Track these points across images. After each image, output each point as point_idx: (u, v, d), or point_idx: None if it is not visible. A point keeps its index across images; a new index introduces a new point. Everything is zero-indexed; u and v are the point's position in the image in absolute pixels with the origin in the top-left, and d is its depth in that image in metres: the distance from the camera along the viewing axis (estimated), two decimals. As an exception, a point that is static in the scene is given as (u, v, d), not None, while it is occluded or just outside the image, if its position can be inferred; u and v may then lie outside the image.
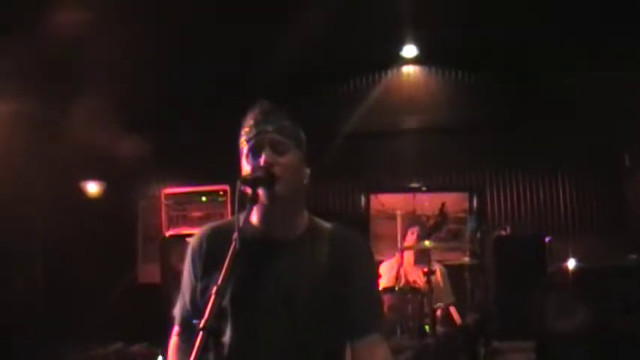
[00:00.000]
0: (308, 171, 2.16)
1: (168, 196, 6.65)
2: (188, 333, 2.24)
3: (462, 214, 7.27)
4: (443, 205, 7.14)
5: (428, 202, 7.27)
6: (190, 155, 7.13)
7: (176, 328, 2.31)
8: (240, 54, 6.71)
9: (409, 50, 7.29)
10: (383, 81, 7.64)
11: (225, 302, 2.05)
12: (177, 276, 6.28)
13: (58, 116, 6.23)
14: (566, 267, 5.56)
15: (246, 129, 2.12)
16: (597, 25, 6.09)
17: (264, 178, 1.98)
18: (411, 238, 5.86)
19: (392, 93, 7.58)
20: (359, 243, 2.25)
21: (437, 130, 7.45)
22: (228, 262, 1.80)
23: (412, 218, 7.05)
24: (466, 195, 7.35)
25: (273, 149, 2.06)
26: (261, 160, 2.04)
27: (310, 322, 2.02)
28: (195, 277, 2.16)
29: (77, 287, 6.58)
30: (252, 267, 2.02)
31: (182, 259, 6.29)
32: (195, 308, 2.16)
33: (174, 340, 2.30)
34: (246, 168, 2.09)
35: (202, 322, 1.67)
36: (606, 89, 6.84)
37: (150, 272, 7.01)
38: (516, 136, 7.23)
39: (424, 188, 7.37)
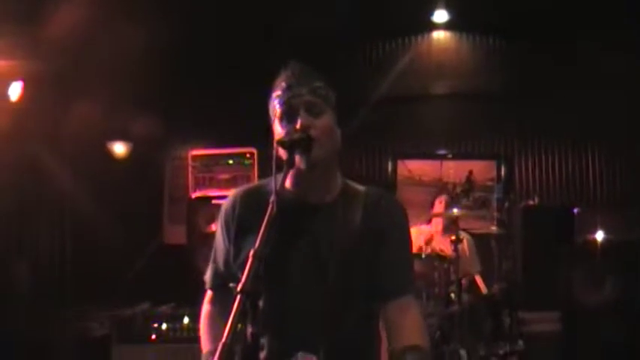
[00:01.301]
0: (339, 132, 2.13)
1: (195, 157, 6.63)
2: (221, 297, 2.24)
3: (489, 183, 7.19)
4: (470, 172, 7.14)
5: (455, 170, 7.20)
6: (217, 117, 7.09)
7: (209, 294, 2.30)
8: (266, 16, 6.63)
9: (440, 15, 7.15)
10: (412, 46, 7.51)
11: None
12: (203, 238, 6.44)
13: (84, 75, 6.24)
14: (595, 239, 5.52)
15: (278, 92, 2.08)
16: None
17: (302, 141, 1.96)
18: (439, 206, 5.84)
19: (421, 58, 7.46)
20: (393, 205, 2.22)
21: (465, 97, 7.34)
22: (265, 226, 1.78)
23: (439, 186, 7.02)
24: (494, 163, 7.25)
25: (309, 111, 2.03)
26: (297, 123, 2.00)
27: (343, 286, 2.00)
28: (229, 240, 2.15)
29: (104, 247, 6.64)
30: (286, 231, 1.99)
31: (208, 222, 6.40)
32: (229, 272, 2.16)
33: (206, 308, 2.29)
34: (279, 131, 2.06)
35: (240, 285, 1.65)
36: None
37: (176, 233, 7.02)
38: (546, 104, 7.09)
39: (451, 155, 7.29)
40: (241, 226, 2.11)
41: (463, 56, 7.46)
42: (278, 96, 2.08)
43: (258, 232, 1.91)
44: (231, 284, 1.96)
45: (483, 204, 7.05)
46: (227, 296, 2.24)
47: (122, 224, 6.72)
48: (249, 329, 1.69)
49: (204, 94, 7.03)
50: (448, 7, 7.02)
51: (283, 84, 2.07)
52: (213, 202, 6.54)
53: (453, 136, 7.36)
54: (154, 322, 5.38)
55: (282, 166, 1.92)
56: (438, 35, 7.48)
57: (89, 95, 6.22)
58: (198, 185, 6.61)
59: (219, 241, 2.21)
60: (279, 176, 1.99)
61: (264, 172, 6.58)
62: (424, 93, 7.44)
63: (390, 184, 7.14)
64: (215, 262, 2.25)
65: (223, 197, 6.72)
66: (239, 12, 6.47)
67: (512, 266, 5.52)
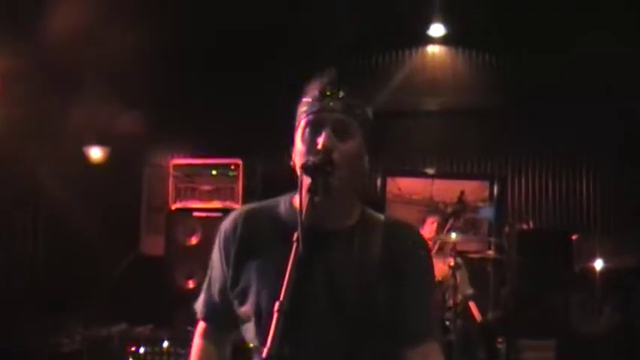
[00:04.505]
0: (367, 158, 1.88)
1: (177, 166, 6.36)
2: (215, 330, 2.03)
3: (481, 204, 6.98)
4: (462, 193, 6.92)
5: (446, 189, 6.97)
6: (202, 126, 6.84)
7: (201, 325, 2.05)
8: (264, 24, 6.42)
9: (436, 29, 6.97)
10: (407, 59, 7.31)
11: (263, 300, 1.79)
12: (182, 251, 6.14)
13: (63, 76, 5.98)
14: (593, 267, 5.34)
15: (308, 99, 1.84)
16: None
17: (321, 165, 1.72)
18: (430, 227, 5.64)
19: (415, 72, 7.26)
20: (415, 239, 1.98)
21: (459, 114, 7.15)
22: (291, 269, 1.55)
23: (430, 205, 6.81)
24: (487, 183, 7.05)
25: (336, 132, 1.78)
26: (320, 142, 1.75)
27: (361, 323, 1.77)
28: (228, 265, 1.91)
29: (78, 256, 6.34)
30: (299, 259, 1.73)
31: (188, 234, 6.07)
32: (224, 301, 1.93)
33: (197, 342, 2.05)
34: (298, 144, 1.82)
35: (266, 350, 1.47)
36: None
37: (153, 244, 6.76)
38: (542, 125, 6.92)
39: (443, 174, 7.07)
40: (242, 250, 1.88)
41: (458, 72, 7.28)
42: (307, 103, 1.84)
43: (261, 258, 1.82)
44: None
45: (474, 225, 6.84)
46: (222, 330, 2.00)
47: (98, 232, 6.44)
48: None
49: (190, 101, 6.79)
50: (445, 22, 6.82)
51: (316, 92, 1.83)
52: (194, 214, 6.29)
53: (445, 155, 7.16)
54: (132, 345, 5.05)
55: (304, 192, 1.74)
56: (434, 50, 7.29)
57: (67, 96, 5.98)
58: (179, 196, 6.34)
59: (216, 266, 1.96)
60: (285, 199, 1.90)
61: (249, 185, 6.33)
62: (417, 108, 7.24)
63: (379, 201, 6.89)
64: (209, 289, 2.00)
65: (205, 210, 6.46)
66: (227, 19, 6.26)
67: (509, 293, 5.31)
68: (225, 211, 6.10)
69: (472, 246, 5.95)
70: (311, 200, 1.70)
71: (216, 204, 6.24)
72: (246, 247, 1.87)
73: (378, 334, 1.81)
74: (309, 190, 1.69)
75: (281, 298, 1.54)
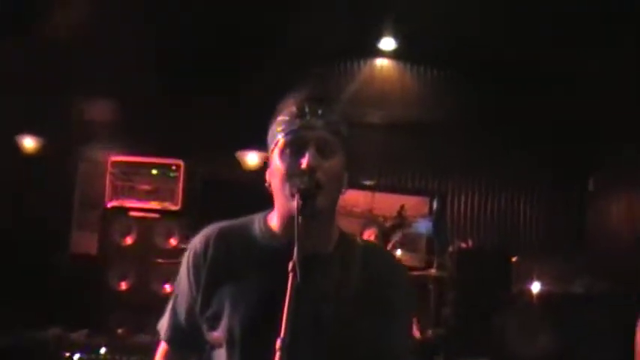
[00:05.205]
0: (346, 175, 1.81)
1: (115, 163, 6.14)
2: (177, 351, 1.92)
3: (420, 219, 7.00)
4: (402, 207, 6.91)
5: (387, 203, 6.97)
6: (142, 124, 6.63)
7: (162, 347, 1.93)
8: (214, 31, 6.37)
9: (387, 43, 6.97)
10: (355, 71, 7.31)
11: (237, 325, 1.70)
12: (116, 251, 5.92)
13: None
14: (530, 289, 5.42)
15: (285, 117, 1.75)
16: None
17: (310, 187, 1.65)
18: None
19: (363, 84, 7.28)
20: (395, 267, 1.94)
21: (404, 129, 7.18)
22: (289, 302, 1.47)
23: (369, 218, 6.78)
24: (427, 199, 7.09)
25: (319, 150, 1.71)
26: (304, 162, 1.67)
27: (341, 350, 1.72)
28: (198, 287, 1.80)
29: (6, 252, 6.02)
30: (274, 284, 1.64)
31: (124, 234, 5.83)
32: (191, 323, 1.82)
33: None
34: (277, 164, 1.74)
35: None
36: (578, 111, 6.76)
37: (85, 242, 6.52)
38: (484, 144, 7.03)
39: (384, 188, 7.08)
40: (214, 273, 1.78)
41: (405, 86, 7.35)
42: (284, 122, 1.74)
43: (235, 282, 1.74)
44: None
45: (413, 241, 6.85)
46: (184, 353, 1.90)
47: (27, 226, 6.13)
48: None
49: (132, 99, 6.55)
50: (396, 36, 6.82)
51: (294, 109, 1.74)
52: (131, 213, 6.10)
53: (387, 168, 7.20)
54: (66, 351, 4.81)
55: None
56: (382, 63, 7.30)
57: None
58: (116, 194, 6.11)
59: (183, 287, 1.85)
60: (270, 218, 1.82)
61: (190, 187, 6.17)
62: (362, 120, 7.20)
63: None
64: (174, 310, 1.89)
65: (142, 210, 6.23)
66: (173, 21, 6.10)
67: (450, 311, 5.33)
68: (164, 213, 6.06)
69: (412, 262, 5.95)
70: (304, 225, 1.62)
71: (155, 204, 6.07)
72: (218, 270, 1.77)
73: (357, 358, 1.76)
74: (302, 212, 1.61)
75: (282, 335, 1.47)
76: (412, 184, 7.18)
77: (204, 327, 1.78)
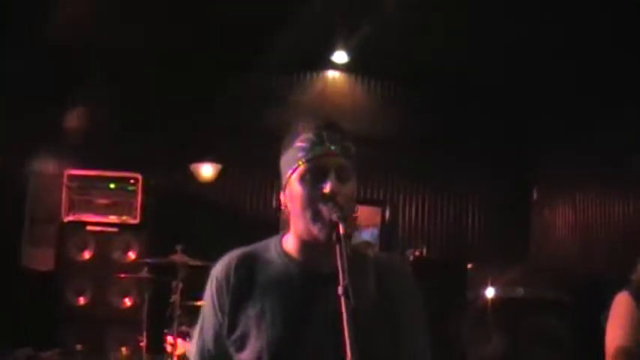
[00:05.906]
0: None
1: (72, 177, 6.11)
2: None
3: (372, 229, 7.18)
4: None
5: (339, 212, 7.10)
6: (99, 136, 6.59)
7: None
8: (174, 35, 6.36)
9: (340, 56, 7.09)
10: (307, 82, 7.42)
11: (264, 346, 1.79)
12: (73, 266, 5.85)
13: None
14: (484, 295, 5.59)
15: (303, 144, 1.82)
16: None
17: (341, 215, 1.70)
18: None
19: (313, 95, 7.36)
20: (405, 274, 2.01)
21: (355, 140, 7.23)
22: (348, 325, 1.56)
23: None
24: (379, 209, 7.26)
25: (337, 176, 1.79)
26: (326, 187, 1.77)
27: None
28: (223, 312, 1.86)
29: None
30: (296, 305, 1.77)
31: (81, 249, 5.75)
32: (219, 347, 1.88)
33: None
34: (297, 189, 1.79)
35: None
36: (521, 122, 7.04)
37: (38, 258, 6.39)
38: (434, 155, 7.23)
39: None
40: (237, 297, 1.85)
41: (355, 99, 7.47)
42: (303, 149, 1.82)
43: (257, 305, 1.80)
44: None
45: (366, 249, 7.01)
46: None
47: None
48: None
49: (88, 108, 6.51)
50: (348, 49, 6.95)
51: (311, 136, 1.83)
52: (88, 228, 6.06)
53: (339, 178, 7.26)
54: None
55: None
56: (334, 75, 7.43)
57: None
58: (73, 208, 6.09)
59: (209, 314, 1.92)
60: (285, 242, 1.87)
61: (148, 201, 6.17)
62: (312, 131, 7.30)
63: (274, 220, 6.92)
64: (202, 337, 1.95)
65: (100, 224, 6.15)
66: (129, 35, 6.10)
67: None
68: (122, 227, 6.02)
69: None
70: (342, 255, 1.71)
71: (113, 219, 6.06)
72: (241, 294, 1.84)
73: None
74: (338, 241, 1.65)
75: (349, 357, 1.53)
76: (364, 194, 7.28)
77: (232, 349, 1.86)
